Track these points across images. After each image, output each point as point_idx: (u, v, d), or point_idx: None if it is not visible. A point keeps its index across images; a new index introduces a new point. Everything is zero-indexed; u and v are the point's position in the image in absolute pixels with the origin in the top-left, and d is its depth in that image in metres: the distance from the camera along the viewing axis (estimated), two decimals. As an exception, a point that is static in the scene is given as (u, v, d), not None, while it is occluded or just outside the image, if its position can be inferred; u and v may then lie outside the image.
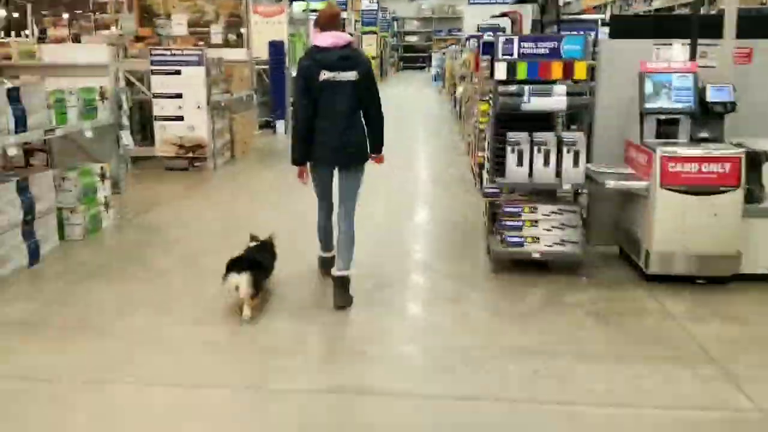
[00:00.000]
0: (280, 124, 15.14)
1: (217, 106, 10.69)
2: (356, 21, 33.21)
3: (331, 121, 4.93)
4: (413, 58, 55.58)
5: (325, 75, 4.83)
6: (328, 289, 5.17)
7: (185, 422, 3.73)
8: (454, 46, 21.98)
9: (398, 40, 54.41)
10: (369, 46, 33.86)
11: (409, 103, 23.58)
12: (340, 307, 5.00)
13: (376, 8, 36.29)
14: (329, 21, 4.98)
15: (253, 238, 5.40)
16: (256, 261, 4.99)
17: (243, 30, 14.98)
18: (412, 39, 56.08)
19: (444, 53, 32.02)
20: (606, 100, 6.05)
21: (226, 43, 14.97)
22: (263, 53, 14.93)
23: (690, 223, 5.30)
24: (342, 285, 5.05)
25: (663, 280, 5.49)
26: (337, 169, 5.16)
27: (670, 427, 3.70)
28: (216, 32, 13.88)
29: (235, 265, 4.80)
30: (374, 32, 35.13)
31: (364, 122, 5.11)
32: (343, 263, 5.06)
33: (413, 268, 6.21)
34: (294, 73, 6.04)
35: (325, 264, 5.50)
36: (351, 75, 4.88)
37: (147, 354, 4.43)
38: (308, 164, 5.19)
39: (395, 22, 50.76)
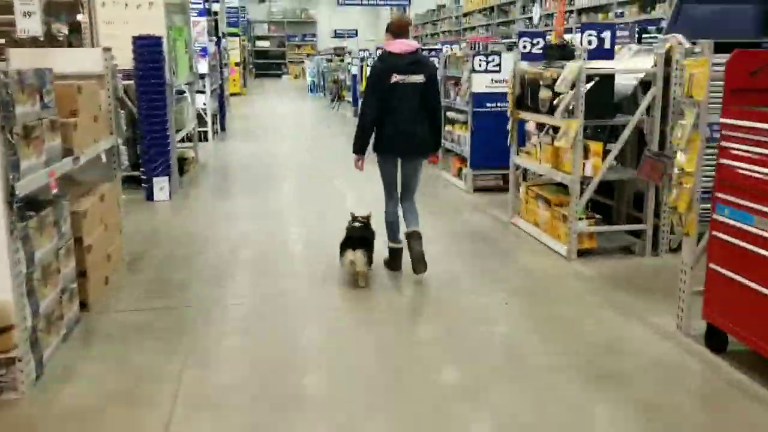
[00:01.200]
0: (161, 185, 8.18)
1: (36, 205, 3.84)
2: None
3: (401, 118, 5.20)
4: (267, 65, 48.75)
5: (395, 78, 5.13)
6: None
7: None
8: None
9: (250, 45, 47.18)
10: (233, 51, 26.80)
11: (324, 137, 17.00)
12: (420, 253, 5.20)
13: (237, 6, 29.03)
14: (402, 30, 5.27)
15: (354, 218, 5.47)
16: (366, 238, 5.27)
17: (81, 16, 8.11)
18: (264, 44, 49.13)
19: (330, 59, 25.69)
20: None
21: (51, 41, 7.89)
22: (122, 57, 8.01)
23: None
24: (418, 237, 5.27)
25: None
26: (401, 159, 5.39)
27: None
28: (29, 18, 6.88)
29: (349, 244, 5.15)
30: (237, 34, 28.00)
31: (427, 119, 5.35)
32: (414, 222, 5.37)
33: None
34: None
35: (393, 254, 5.55)
36: (419, 78, 5.17)
37: None
38: (377, 156, 5.39)
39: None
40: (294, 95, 29.68)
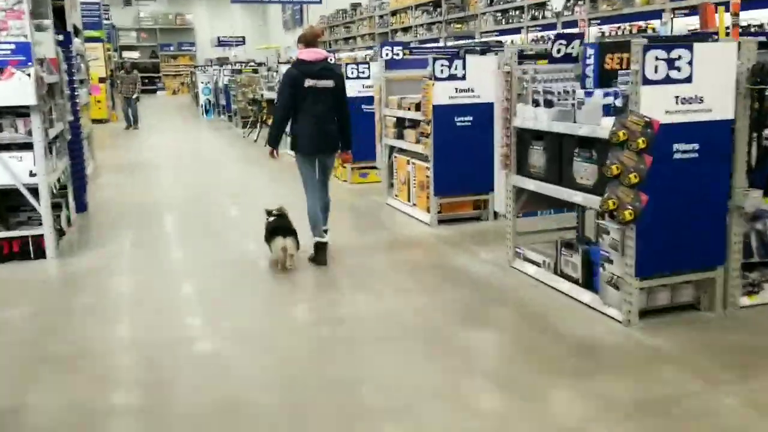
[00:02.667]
0: None
1: None
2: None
3: (314, 119, 5.50)
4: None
5: (309, 82, 5.43)
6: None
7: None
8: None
9: (117, 57, 38.11)
10: (95, 61, 18.41)
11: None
12: (322, 263, 5.50)
13: (98, 4, 20.48)
14: (313, 39, 5.61)
15: (269, 212, 5.70)
16: (292, 227, 5.53)
17: None
18: (133, 55, 40.01)
19: (240, 70, 17.94)
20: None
21: None
22: None
23: None
24: (323, 248, 5.56)
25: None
26: (318, 156, 5.64)
27: None
28: None
29: (278, 231, 5.44)
30: (100, 39, 19.64)
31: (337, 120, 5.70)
32: (323, 228, 5.62)
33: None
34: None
35: (319, 248, 5.59)
36: (329, 83, 5.50)
37: None
38: (295, 155, 5.64)
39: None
40: (182, 118, 21.59)
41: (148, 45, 40.88)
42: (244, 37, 39.25)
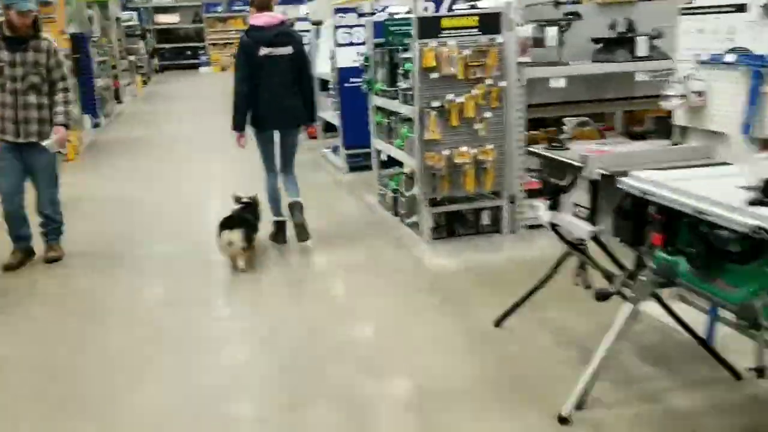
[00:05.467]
0: None
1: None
2: None
3: (272, 91, 5.05)
4: (175, 52, 29.07)
5: (264, 51, 4.98)
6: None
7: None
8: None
9: (145, 21, 27.40)
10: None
11: None
12: (301, 225, 5.17)
13: None
14: (267, 2, 5.11)
15: (237, 199, 5.20)
16: (245, 219, 5.01)
17: None
18: (170, 19, 29.14)
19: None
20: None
21: None
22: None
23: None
24: (300, 207, 5.22)
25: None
26: (277, 131, 5.28)
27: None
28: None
29: (227, 223, 4.86)
30: None
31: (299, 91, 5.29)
32: (295, 193, 5.30)
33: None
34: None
35: (279, 227, 5.45)
36: (287, 50, 5.03)
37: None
38: (252, 130, 5.25)
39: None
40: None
41: (190, 5, 29.47)
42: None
